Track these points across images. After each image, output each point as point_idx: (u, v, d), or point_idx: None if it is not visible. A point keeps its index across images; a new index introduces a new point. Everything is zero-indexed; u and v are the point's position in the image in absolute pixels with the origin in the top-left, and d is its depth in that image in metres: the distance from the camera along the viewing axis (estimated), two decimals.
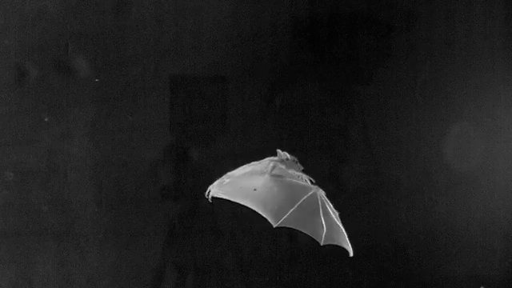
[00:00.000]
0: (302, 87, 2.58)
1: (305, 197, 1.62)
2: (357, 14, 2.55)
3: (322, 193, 1.64)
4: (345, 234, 1.64)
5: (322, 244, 1.63)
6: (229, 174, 1.69)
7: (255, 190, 1.61)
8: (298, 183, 1.63)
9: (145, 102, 2.58)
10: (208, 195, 1.66)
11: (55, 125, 2.57)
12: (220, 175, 2.13)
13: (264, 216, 1.60)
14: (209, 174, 2.49)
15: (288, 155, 1.64)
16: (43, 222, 2.57)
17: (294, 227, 1.66)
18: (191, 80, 2.58)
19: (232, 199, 1.65)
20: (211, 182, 2.34)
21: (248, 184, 1.63)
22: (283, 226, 1.61)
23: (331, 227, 1.62)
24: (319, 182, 2.25)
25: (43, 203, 2.57)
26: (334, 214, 1.64)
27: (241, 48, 2.57)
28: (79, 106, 2.57)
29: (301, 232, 1.74)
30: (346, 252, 1.70)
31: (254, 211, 1.71)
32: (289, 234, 2.54)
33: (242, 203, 1.63)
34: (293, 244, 2.56)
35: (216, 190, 1.68)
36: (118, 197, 2.58)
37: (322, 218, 1.62)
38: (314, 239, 1.69)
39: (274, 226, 1.60)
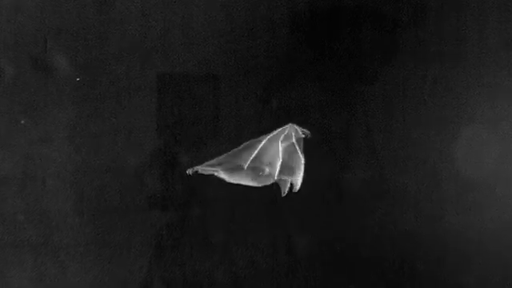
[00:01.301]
0: (300, 87, 2.53)
1: (274, 132, 1.70)
2: (360, 7, 2.50)
3: (295, 128, 1.69)
4: (302, 164, 1.67)
5: (275, 178, 1.67)
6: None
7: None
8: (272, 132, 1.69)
9: (130, 103, 2.53)
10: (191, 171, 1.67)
11: (32, 128, 2.54)
12: (212, 182, 2.26)
13: (239, 163, 1.65)
14: (200, 180, 2.37)
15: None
16: (19, 233, 2.53)
17: (260, 165, 1.73)
18: (180, 79, 2.53)
19: (212, 166, 1.70)
20: (202, 190, 2.57)
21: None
22: (252, 164, 1.65)
23: (288, 159, 1.66)
24: (319, 189, 2.52)
25: (19, 212, 2.53)
26: (298, 143, 1.68)
27: (234, 44, 2.52)
28: (58, 107, 2.52)
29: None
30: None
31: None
32: (287, 246, 2.50)
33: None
34: (291, 257, 2.52)
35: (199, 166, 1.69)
36: (100, 206, 2.54)
37: (280, 146, 1.68)
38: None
39: (245, 167, 1.64)
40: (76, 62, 2.52)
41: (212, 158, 2.30)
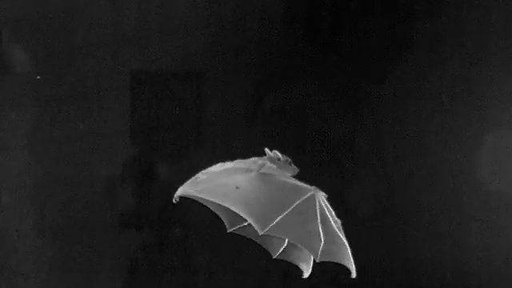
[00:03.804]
0: (297, 86, 2.50)
1: (300, 199, 1.55)
2: None
3: (321, 195, 1.58)
4: (348, 248, 1.58)
5: (317, 260, 1.56)
6: (204, 171, 1.62)
7: (237, 187, 1.53)
8: (292, 182, 1.57)
9: (99, 105, 2.52)
10: (175, 196, 1.60)
11: None
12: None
13: (248, 220, 1.51)
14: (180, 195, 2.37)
15: (279, 154, 1.58)
16: None
17: (285, 237, 1.63)
18: (158, 77, 2.53)
19: (206, 198, 1.56)
20: (184, 207, 2.34)
21: (229, 181, 1.55)
22: (271, 234, 1.53)
23: (331, 240, 1.57)
24: None
25: None
26: (336, 224, 1.58)
27: (221, 36, 2.51)
28: (16, 110, 2.51)
29: (297, 269, 1.76)
30: None
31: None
32: (282, 272, 2.48)
33: (218, 202, 1.54)
34: (286, 284, 2.50)
35: (187, 188, 1.58)
36: (65, 224, 2.52)
37: (320, 228, 1.55)
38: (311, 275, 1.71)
39: (260, 233, 1.50)
40: (36, 57, 2.52)
41: (195, 169, 2.14)
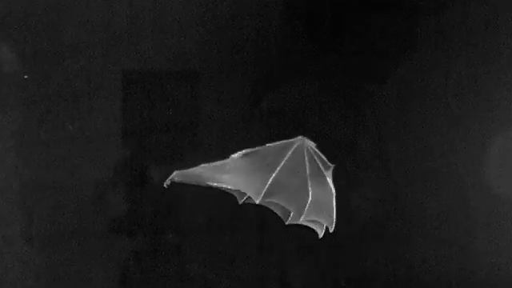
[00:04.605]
0: (296, 86, 2.50)
1: (287, 156, 1.63)
2: None
3: (309, 144, 1.66)
4: (334, 199, 1.64)
5: (300, 220, 1.65)
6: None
7: (229, 168, 1.67)
8: (277, 144, 1.66)
9: (89, 106, 2.49)
10: (169, 179, 1.75)
11: None
12: (190, 201, 2.37)
13: (243, 191, 1.64)
14: (174, 200, 2.46)
15: None
16: None
17: (277, 200, 1.67)
18: (151, 76, 2.51)
19: (199, 179, 1.69)
20: (178, 212, 2.54)
21: (220, 164, 1.70)
22: (267, 199, 1.63)
23: (319, 192, 1.63)
24: None
25: None
26: (327, 170, 1.64)
27: (216, 34, 2.50)
28: (2, 110, 2.47)
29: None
30: None
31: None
32: (281, 281, 2.50)
33: (211, 183, 1.66)
34: None
35: (181, 172, 1.73)
36: (53, 230, 2.48)
37: (309, 182, 1.63)
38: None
39: (257, 202, 1.62)
40: (24, 55, 2.49)
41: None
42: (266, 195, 1.64)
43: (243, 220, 2.37)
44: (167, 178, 2.28)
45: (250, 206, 2.48)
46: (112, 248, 2.48)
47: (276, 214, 1.86)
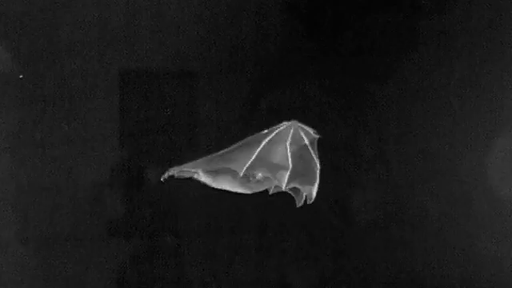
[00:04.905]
0: (296, 86, 2.49)
1: (275, 131, 1.73)
2: None
3: (299, 125, 1.73)
4: (318, 168, 1.70)
5: (283, 188, 1.71)
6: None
7: (223, 152, 1.78)
8: (271, 128, 1.76)
9: (86, 106, 2.51)
10: (166, 174, 1.83)
11: None
12: (188, 203, 2.38)
13: (228, 167, 1.73)
14: (172, 202, 2.46)
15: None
16: None
17: (258, 171, 1.76)
18: (148, 76, 2.52)
19: (195, 167, 1.79)
20: (176, 214, 2.53)
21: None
22: (250, 172, 1.72)
23: (299, 164, 1.70)
24: (321, 212, 2.51)
25: None
26: (311, 141, 1.72)
27: (215, 34, 2.50)
28: None
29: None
30: None
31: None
32: (279, 283, 2.48)
33: (206, 167, 1.78)
34: None
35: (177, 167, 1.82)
36: (49, 233, 2.51)
37: (289, 149, 1.69)
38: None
39: (241, 174, 1.72)
40: (19, 55, 2.52)
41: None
42: (249, 168, 1.73)
43: (242, 222, 2.37)
44: (165, 179, 2.29)
45: (249, 208, 2.38)
46: (109, 250, 2.49)
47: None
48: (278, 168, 1.77)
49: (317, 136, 1.80)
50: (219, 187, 1.96)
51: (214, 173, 1.93)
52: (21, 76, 2.51)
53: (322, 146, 2.40)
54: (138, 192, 2.51)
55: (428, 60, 2.48)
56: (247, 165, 1.77)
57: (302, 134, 1.80)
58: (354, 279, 2.47)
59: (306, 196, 1.88)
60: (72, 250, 2.50)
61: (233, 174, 1.87)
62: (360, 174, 2.49)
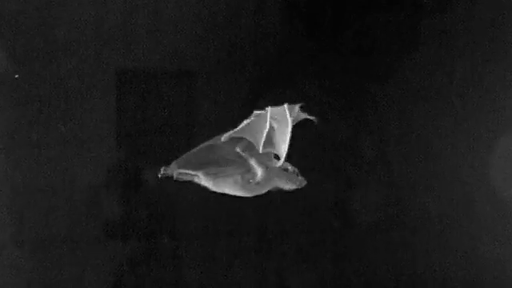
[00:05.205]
0: (296, 86, 2.49)
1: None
2: None
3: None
4: (289, 128, 1.75)
5: (260, 151, 1.76)
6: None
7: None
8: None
9: (82, 106, 2.48)
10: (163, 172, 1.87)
11: None
12: (186, 205, 2.39)
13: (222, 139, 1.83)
14: (170, 204, 2.45)
15: (289, 165, 1.83)
16: None
17: (239, 135, 1.81)
18: (145, 76, 2.51)
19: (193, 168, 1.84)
20: (174, 216, 2.54)
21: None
22: (233, 136, 1.81)
23: (275, 128, 1.77)
24: (321, 214, 2.53)
25: None
26: (290, 108, 1.76)
27: (213, 33, 2.49)
28: None
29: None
30: None
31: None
32: (278, 285, 2.49)
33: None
34: None
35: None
36: (45, 235, 2.47)
37: (268, 117, 1.76)
38: None
39: (222, 139, 1.84)
40: (14, 54, 2.47)
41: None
42: (234, 133, 1.80)
43: (241, 224, 2.38)
44: (162, 180, 2.22)
45: (248, 210, 2.40)
46: (105, 253, 2.47)
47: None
48: (257, 131, 1.81)
49: (298, 104, 1.81)
50: (220, 191, 1.97)
51: (214, 176, 1.93)
52: (16, 76, 2.46)
53: (322, 146, 2.50)
54: (135, 193, 2.48)
55: (429, 60, 2.50)
56: (231, 132, 1.83)
57: (285, 104, 1.82)
58: (355, 282, 2.48)
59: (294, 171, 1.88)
60: (68, 252, 2.46)
61: (234, 177, 1.90)
62: (361, 175, 2.51)
